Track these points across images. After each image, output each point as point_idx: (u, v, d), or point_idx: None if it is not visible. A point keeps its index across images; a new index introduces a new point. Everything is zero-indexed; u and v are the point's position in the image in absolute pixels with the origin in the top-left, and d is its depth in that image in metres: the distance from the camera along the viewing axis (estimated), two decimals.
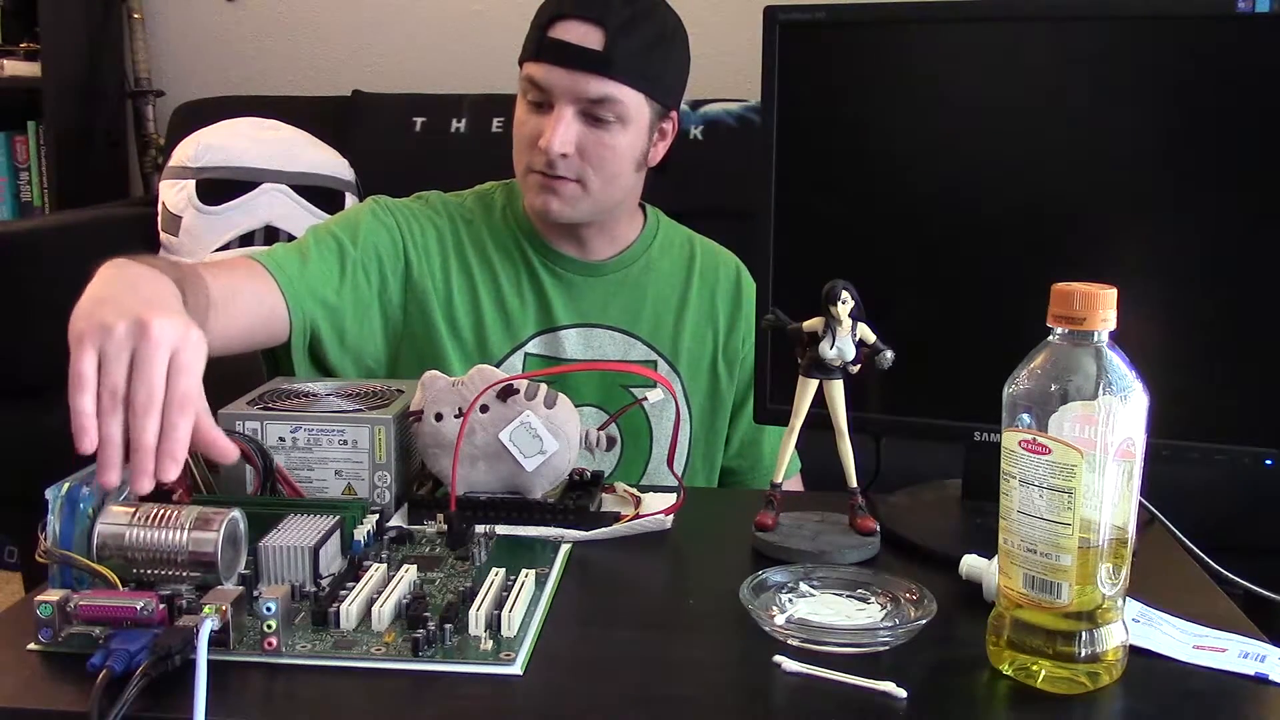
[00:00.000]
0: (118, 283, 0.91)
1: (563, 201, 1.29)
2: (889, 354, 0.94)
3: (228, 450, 0.84)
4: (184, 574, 0.80)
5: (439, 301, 1.33)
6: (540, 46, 1.26)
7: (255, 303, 1.20)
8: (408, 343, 1.34)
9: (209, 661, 0.70)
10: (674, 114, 1.34)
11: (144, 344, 0.81)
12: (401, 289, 1.33)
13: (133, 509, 0.81)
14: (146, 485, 0.79)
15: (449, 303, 1.34)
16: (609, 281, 1.38)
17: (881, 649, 0.79)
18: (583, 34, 1.24)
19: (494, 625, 0.79)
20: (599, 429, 1.04)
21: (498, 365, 1.32)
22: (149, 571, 0.80)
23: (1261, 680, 0.77)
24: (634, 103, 1.26)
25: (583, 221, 1.33)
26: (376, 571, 0.85)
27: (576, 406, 1.04)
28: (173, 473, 0.79)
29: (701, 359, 1.40)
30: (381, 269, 1.31)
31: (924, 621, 0.80)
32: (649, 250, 1.40)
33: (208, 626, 0.72)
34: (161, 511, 0.80)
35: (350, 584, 0.82)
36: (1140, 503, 0.84)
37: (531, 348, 1.35)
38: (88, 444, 0.78)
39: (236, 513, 0.82)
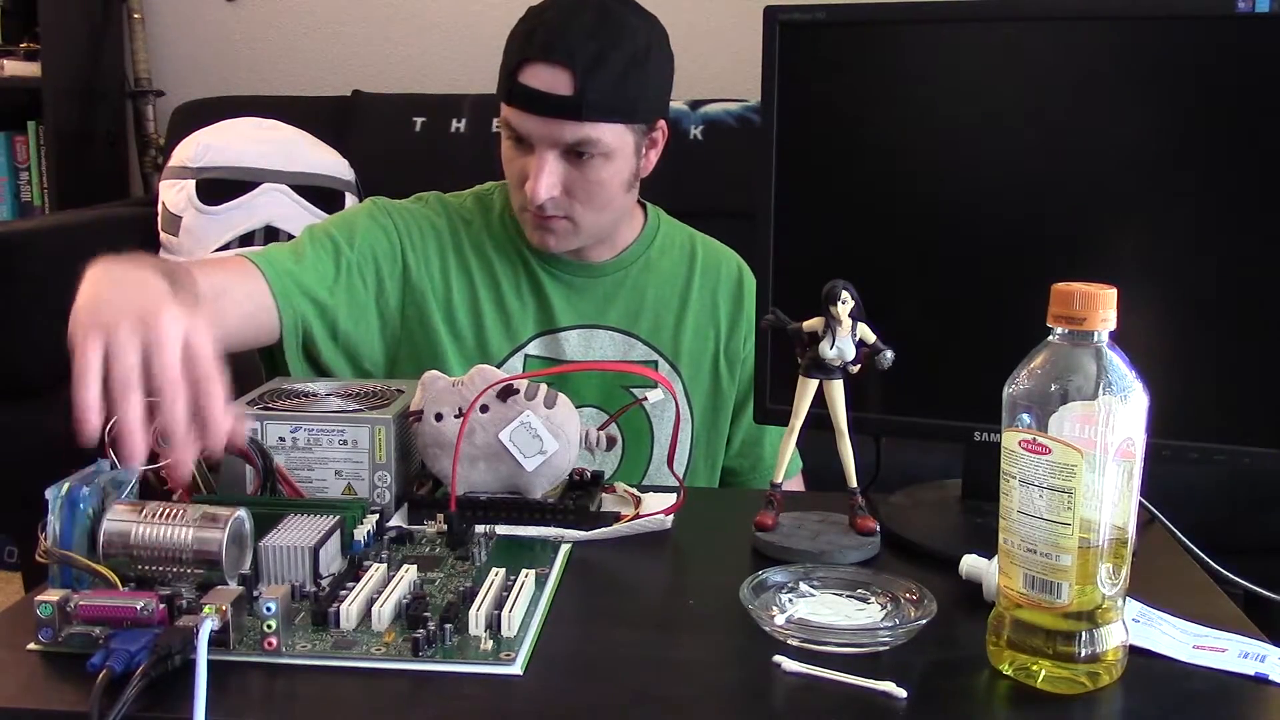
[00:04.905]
0: (109, 283, 0.90)
1: (558, 238, 1.30)
2: (889, 354, 0.94)
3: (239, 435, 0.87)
4: (188, 571, 0.80)
5: (438, 303, 1.33)
6: (511, 92, 1.24)
7: (244, 298, 1.20)
8: (406, 346, 1.34)
9: (209, 661, 0.70)
10: (662, 123, 1.33)
11: (153, 332, 0.81)
12: (399, 292, 1.33)
13: (139, 506, 0.81)
14: (189, 461, 0.81)
15: (448, 304, 1.34)
16: (608, 282, 1.38)
17: (881, 649, 0.79)
18: (551, 80, 1.21)
19: (494, 625, 0.79)
20: (599, 429, 1.04)
21: (498, 367, 1.32)
22: (153, 569, 0.80)
23: (1261, 680, 0.77)
24: (614, 135, 1.25)
25: (582, 247, 1.34)
26: (376, 571, 0.85)
27: (577, 407, 1.04)
28: (219, 442, 0.80)
29: (703, 358, 1.40)
30: (379, 272, 1.31)
31: (924, 621, 0.80)
32: (648, 250, 1.40)
33: (208, 626, 0.72)
34: (167, 509, 0.81)
35: (350, 584, 0.82)
36: (1140, 503, 0.84)
37: (531, 349, 1.35)
38: (90, 433, 0.79)
39: (243, 512, 0.82)
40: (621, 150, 1.27)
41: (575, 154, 1.25)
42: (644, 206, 1.43)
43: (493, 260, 1.36)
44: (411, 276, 1.33)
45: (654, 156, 1.34)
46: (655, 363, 1.38)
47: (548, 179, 1.24)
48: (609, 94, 1.22)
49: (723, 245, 1.46)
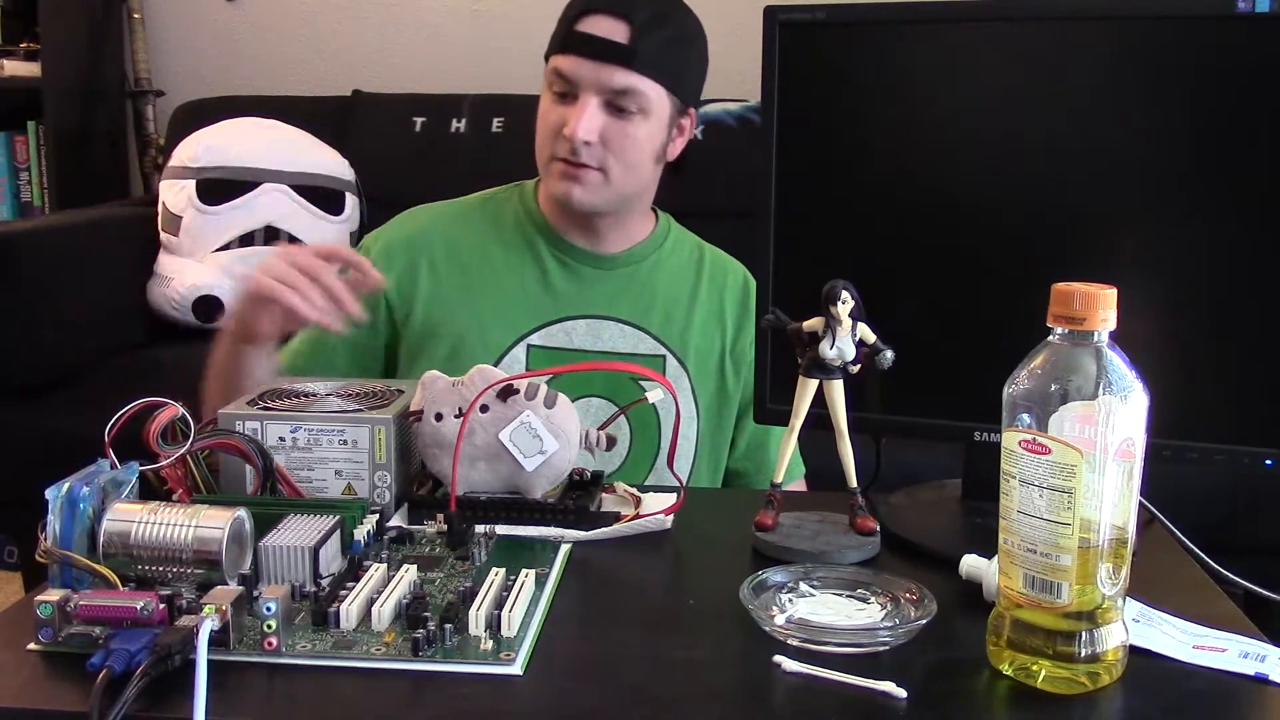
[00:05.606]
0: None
1: (585, 189, 1.32)
2: (889, 354, 0.94)
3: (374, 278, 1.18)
4: (188, 571, 0.80)
5: (429, 310, 1.35)
6: (567, 40, 1.30)
7: None
8: (405, 349, 1.36)
9: (209, 661, 0.70)
10: (692, 111, 1.37)
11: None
12: (388, 329, 1.37)
13: (139, 506, 0.81)
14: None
15: (444, 304, 1.35)
16: (619, 275, 1.39)
17: (881, 649, 0.79)
18: (609, 28, 1.28)
19: (494, 625, 0.79)
20: (599, 428, 1.04)
21: (500, 356, 1.34)
22: (153, 569, 0.80)
23: (1261, 680, 0.77)
24: (655, 95, 1.30)
25: (602, 211, 1.35)
26: (376, 571, 0.85)
27: (585, 397, 1.04)
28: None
29: (709, 356, 1.41)
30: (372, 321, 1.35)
31: (924, 621, 0.80)
32: (659, 249, 1.42)
33: (208, 626, 0.72)
34: (167, 509, 0.81)
35: (350, 584, 0.82)
36: (1140, 503, 0.84)
37: (536, 339, 1.35)
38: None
39: (243, 512, 0.82)
40: (659, 113, 1.31)
41: (616, 108, 1.29)
42: (655, 212, 1.45)
43: (493, 252, 1.37)
44: (395, 308, 1.36)
45: (680, 144, 1.38)
46: (664, 357, 1.38)
47: (589, 120, 1.28)
48: (660, 53, 1.29)
49: (729, 256, 1.48)
